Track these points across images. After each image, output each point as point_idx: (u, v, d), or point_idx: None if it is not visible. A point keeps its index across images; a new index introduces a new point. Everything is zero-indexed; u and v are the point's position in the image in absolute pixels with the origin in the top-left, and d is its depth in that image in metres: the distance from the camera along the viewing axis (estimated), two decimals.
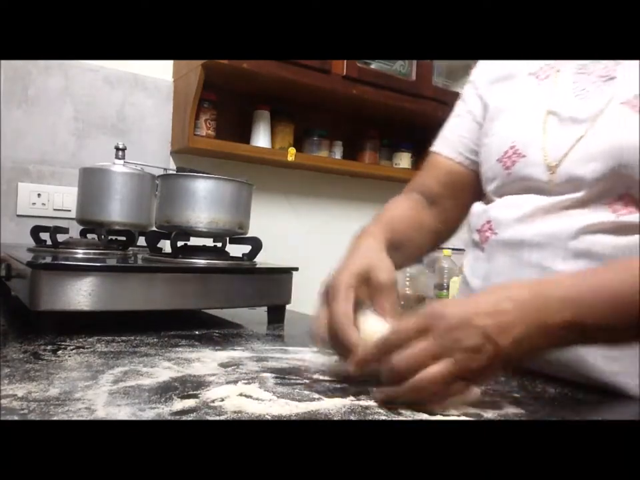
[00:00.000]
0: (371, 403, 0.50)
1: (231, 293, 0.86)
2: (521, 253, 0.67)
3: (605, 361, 0.61)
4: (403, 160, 2.09)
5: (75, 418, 0.42)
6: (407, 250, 0.79)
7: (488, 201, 0.78)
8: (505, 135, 0.74)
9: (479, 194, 0.82)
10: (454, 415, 0.48)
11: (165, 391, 0.50)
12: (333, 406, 0.49)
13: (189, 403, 0.47)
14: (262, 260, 1.01)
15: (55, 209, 1.52)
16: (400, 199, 0.84)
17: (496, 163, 0.74)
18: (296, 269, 0.94)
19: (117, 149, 1.14)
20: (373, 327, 0.56)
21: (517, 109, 0.74)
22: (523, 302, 0.49)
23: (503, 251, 0.70)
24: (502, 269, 0.69)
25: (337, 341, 0.56)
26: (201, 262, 0.91)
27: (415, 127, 2.05)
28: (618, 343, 0.56)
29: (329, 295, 0.60)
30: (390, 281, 0.60)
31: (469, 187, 0.83)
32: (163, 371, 0.57)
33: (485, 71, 0.83)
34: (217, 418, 0.44)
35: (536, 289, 0.51)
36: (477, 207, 0.79)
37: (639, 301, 0.48)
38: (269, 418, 0.45)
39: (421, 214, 0.82)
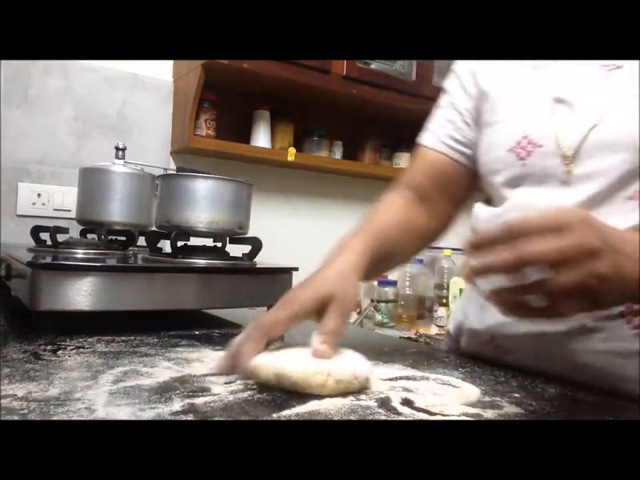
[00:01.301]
0: (371, 402, 0.50)
1: (230, 293, 0.86)
2: None
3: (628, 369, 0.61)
4: (403, 160, 2.09)
5: (75, 418, 0.42)
6: (396, 258, 0.78)
7: (493, 197, 0.75)
8: (513, 124, 0.71)
9: (470, 189, 0.81)
10: (454, 415, 0.48)
11: (165, 390, 0.50)
12: (333, 406, 0.49)
13: (189, 402, 0.47)
14: (262, 260, 1.01)
15: (54, 209, 1.53)
16: (392, 199, 0.81)
17: (507, 154, 0.71)
18: (296, 269, 0.94)
19: (117, 148, 1.14)
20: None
21: (519, 98, 0.72)
22: (634, 243, 0.48)
23: None
24: None
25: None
26: (200, 262, 0.91)
27: (415, 127, 2.04)
28: None
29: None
30: (346, 313, 0.59)
31: (458, 180, 0.81)
32: (163, 370, 0.57)
33: (470, 61, 0.81)
34: (217, 418, 0.44)
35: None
36: (483, 211, 0.75)
37: None
38: (269, 418, 0.45)
39: (413, 215, 0.80)
